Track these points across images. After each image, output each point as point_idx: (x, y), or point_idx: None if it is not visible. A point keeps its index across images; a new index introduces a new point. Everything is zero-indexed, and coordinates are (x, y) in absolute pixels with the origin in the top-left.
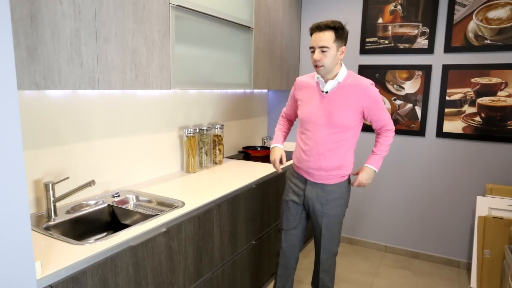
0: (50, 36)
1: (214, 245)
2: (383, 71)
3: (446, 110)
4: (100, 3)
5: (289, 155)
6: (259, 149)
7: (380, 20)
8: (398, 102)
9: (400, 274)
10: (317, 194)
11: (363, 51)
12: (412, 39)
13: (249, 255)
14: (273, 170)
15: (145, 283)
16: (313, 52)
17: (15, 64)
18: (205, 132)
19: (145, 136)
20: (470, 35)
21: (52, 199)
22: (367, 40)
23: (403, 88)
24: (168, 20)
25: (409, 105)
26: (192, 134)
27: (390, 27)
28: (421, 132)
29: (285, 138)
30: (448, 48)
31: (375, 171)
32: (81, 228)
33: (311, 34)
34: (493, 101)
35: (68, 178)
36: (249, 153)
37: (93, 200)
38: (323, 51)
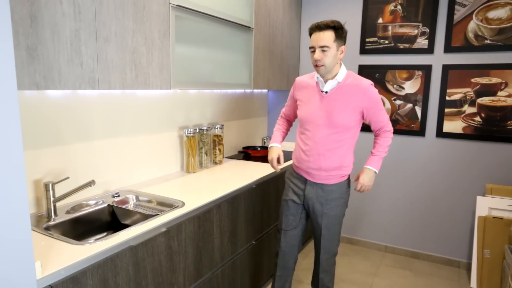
0: (50, 36)
1: (214, 245)
2: (383, 71)
3: (446, 110)
4: (100, 3)
5: (288, 155)
6: (259, 149)
7: (380, 20)
8: (398, 102)
9: (400, 274)
10: (317, 194)
11: (363, 51)
12: (412, 39)
13: (249, 255)
14: (273, 170)
15: (145, 283)
16: (313, 52)
17: (15, 64)
18: (205, 132)
19: (145, 136)
20: (470, 35)
21: (52, 199)
22: (367, 40)
23: (403, 88)
24: (168, 20)
25: (409, 105)
26: (192, 134)
27: (390, 27)
28: (421, 132)
29: (283, 138)
30: (448, 48)
31: (375, 172)
32: (81, 228)
33: (311, 34)
34: (493, 101)
35: (68, 178)
36: (249, 153)
37: (93, 200)
38: (323, 51)
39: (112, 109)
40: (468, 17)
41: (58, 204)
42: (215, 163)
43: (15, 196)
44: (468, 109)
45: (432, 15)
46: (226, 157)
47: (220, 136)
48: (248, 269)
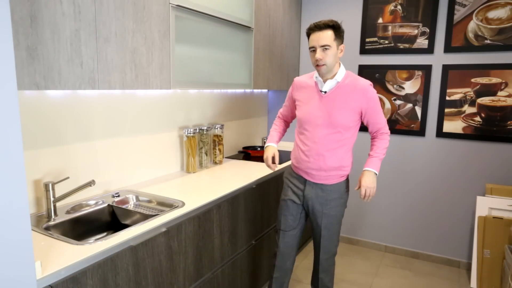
0: (50, 36)
1: (214, 245)
2: (383, 71)
3: (446, 110)
4: (100, 3)
5: (287, 154)
6: (259, 149)
7: (380, 20)
8: (398, 102)
9: (400, 274)
10: (316, 195)
11: (363, 51)
12: (412, 39)
13: (249, 255)
14: (270, 170)
15: (145, 283)
16: (313, 51)
17: (15, 64)
18: (205, 132)
19: (145, 136)
20: (470, 35)
21: (52, 199)
22: (367, 40)
23: (403, 88)
24: (168, 20)
25: (409, 105)
26: (192, 134)
27: (390, 27)
28: (421, 132)
29: (280, 138)
30: (448, 48)
31: (376, 174)
32: (81, 228)
33: (309, 35)
34: (493, 101)
35: (68, 178)
36: (249, 153)
37: (93, 200)
38: (325, 50)
39: (112, 109)
40: (468, 17)
41: (58, 204)
42: (215, 163)
43: (15, 196)
44: (468, 109)
45: (432, 15)
46: (226, 157)
47: (220, 136)
48: (248, 269)
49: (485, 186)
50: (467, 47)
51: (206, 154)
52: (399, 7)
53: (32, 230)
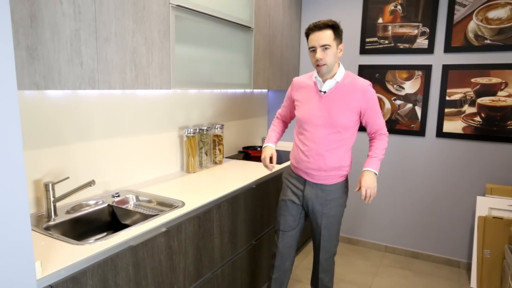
0: (50, 36)
1: (214, 245)
2: (383, 71)
3: (446, 110)
4: (100, 3)
5: (286, 154)
6: (259, 149)
7: (380, 20)
8: (398, 102)
9: (400, 274)
10: (316, 195)
11: (363, 51)
12: (412, 39)
13: (249, 255)
14: (274, 170)
15: (145, 283)
16: (313, 51)
17: (15, 64)
18: (205, 132)
19: (145, 136)
20: (470, 35)
21: (52, 199)
22: (367, 40)
23: (403, 88)
24: (168, 20)
25: (409, 105)
26: (192, 134)
27: (390, 27)
28: (421, 132)
29: (278, 139)
30: (448, 48)
31: (376, 174)
32: (81, 228)
33: (309, 35)
34: (493, 101)
35: (68, 178)
36: (249, 153)
37: (93, 200)
38: (325, 49)
39: (112, 109)
40: (468, 17)
41: (58, 204)
42: (215, 163)
43: (15, 196)
44: (468, 109)
45: (432, 15)
46: (226, 157)
47: (220, 136)
48: (248, 269)
49: (485, 186)
50: (467, 47)
51: (206, 154)
52: (399, 7)
53: (32, 230)
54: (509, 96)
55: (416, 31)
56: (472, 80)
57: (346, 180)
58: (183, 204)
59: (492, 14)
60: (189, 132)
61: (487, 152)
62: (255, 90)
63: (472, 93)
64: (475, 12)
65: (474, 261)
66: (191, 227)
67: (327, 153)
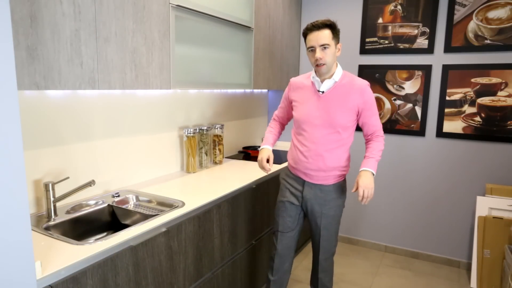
0: (50, 36)
1: (214, 245)
2: (383, 71)
3: (446, 110)
4: (100, 3)
5: (284, 154)
6: (259, 149)
7: (380, 20)
8: (398, 102)
9: (400, 274)
10: (315, 195)
11: (363, 51)
12: (412, 39)
13: (249, 255)
14: (273, 170)
15: (145, 283)
16: (312, 51)
17: (15, 64)
18: (205, 132)
19: (145, 136)
20: (470, 35)
21: (52, 199)
22: (367, 40)
23: (403, 88)
24: (168, 20)
25: (409, 105)
26: (192, 134)
27: (390, 27)
28: (421, 132)
29: (275, 141)
30: (448, 48)
31: (373, 174)
32: (81, 228)
33: (307, 35)
34: (493, 101)
35: (68, 178)
36: (249, 153)
37: (93, 200)
38: (324, 48)
39: (112, 109)
40: (468, 17)
41: (58, 204)
42: (215, 163)
43: (15, 196)
44: (468, 109)
45: (432, 15)
46: (226, 157)
47: (220, 136)
48: (248, 269)
49: (485, 186)
50: (467, 47)
51: (206, 154)
52: (399, 7)
53: (32, 230)
54: (509, 96)
55: (416, 31)
56: (472, 80)
57: (345, 180)
58: (183, 204)
59: (492, 14)
60: (189, 132)
61: (487, 152)
62: (255, 90)
63: (472, 93)
64: (475, 12)
65: (474, 261)
66: (191, 227)
67: (326, 153)
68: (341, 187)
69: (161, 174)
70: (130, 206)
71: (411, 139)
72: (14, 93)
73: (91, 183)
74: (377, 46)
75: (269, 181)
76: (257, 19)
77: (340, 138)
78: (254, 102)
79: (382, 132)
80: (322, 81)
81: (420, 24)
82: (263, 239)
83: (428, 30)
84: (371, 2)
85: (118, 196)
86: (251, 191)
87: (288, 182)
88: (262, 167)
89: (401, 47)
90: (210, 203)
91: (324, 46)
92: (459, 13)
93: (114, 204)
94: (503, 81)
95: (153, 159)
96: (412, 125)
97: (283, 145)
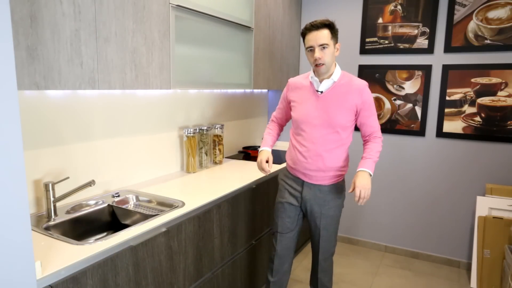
0: (50, 36)
1: (214, 245)
2: (383, 71)
3: (446, 110)
4: (100, 3)
5: (283, 154)
6: (259, 149)
7: (380, 20)
8: (398, 102)
9: (400, 274)
10: (314, 196)
11: (363, 51)
12: (412, 39)
13: (249, 255)
14: (273, 170)
15: (145, 283)
16: (311, 51)
17: (15, 64)
18: (205, 132)
19: (145, 136)
20: (470, 35)
21: (52, 199)
22: (367, 40)
23: (403, 88)
24: (168, 20)
25: (409, 105)
26: (192, 134)
27: (390, 27)
28: (421, 132)
29: (274, 143)
30: (448, 48)
31: (370, 175)
32: (81, 228)
33: (306, 35)
34: (493, 101)
35: (68, 178)
36: (249, 153)
37: (93, 200)
38: (323, 48)
39: (112, 109)
40: (468, 17)
41: (58, 204)
42: (215, 163)
43: (15, 196)
44: (468, 109)
45: (432, 15)
46: (226, 157)
47: (220, 136)
48: (248, 269)
49: (485, 186)
50: (467, 47)
51: (206, 154)
52: (399, 7)
53: (32, 230)
54: (509, 96)
55: (416, 31)
56: (472, 80)
57: (343, 180)
58: (183, 204)
59: (492, 14)
60: (189, 132)
61: (487, 152)
62: (255, 90)
63: (472, 93)
64: (475, 12)
65: (474, 261)
66: (191, 227)
67: (326, 153)
68: (340, 187)
69: (161, 174)
70: (130, 206)
71: (411, 139)
72: (14, 93)
73: (91, 183)
74: (377, 46)
75: (269, 181)
76: (257, 19)
77: (339, 138)
78: (254, 102)
79: (380, 133)
80: (320, 81)
81: (420, 24)
82: (263, 239)
83: (428, 30)
84: (371, 2)
85: (118, 196)
86: (251, 191)
87: (287, 183)
88: (262, 169)
89: (401, 47)
90: (210, 203)
91: (323, 46)
92: (459, 13)
93: (114, 204)
94: (503, 81)
95: (153, 159)
96: (412, 125)
97: (283, 145)
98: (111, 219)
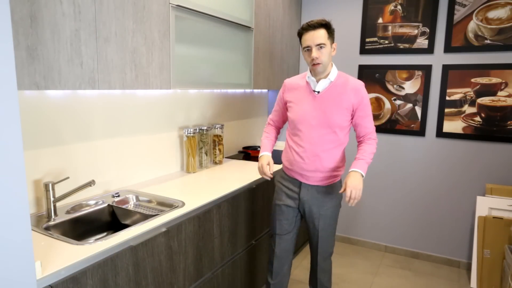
0: (50, 36)
1: (214, 245)
2: (383, 71)
3: (446, 110)
4: (100, 3)
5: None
6: (259, 149)
7: (380, 20)
8: (398, 102)
9: (400, 274)
10: (312, 197)
11: (363, 51)
12: (412, 39)
13: (249, 255)
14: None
15: (145, 283)
16: (308, 51)
17: (15, 64)
18: (205, 132)
19: (145, 136)
20: (470, 35)
21: (52, 199)
22: (367, 40)
23: (403, 88)
24: (168, 20)
25: (409, 105)
26: (192, 134)
27: (390, 27)
28: (421, 132)
29: (273, 146)
30: (448, 48)
31: (362, 175)
32: (81, 228)
33: (302, 35)
34: (493, 101)
35: (68, 178)
36: (249, 153)
37: (93, 200)
38: (320, 48)
39: (112, 109)
40: (468, 17)
41: (58, 204)
42: (215, 163)
43: (15, 196)
44: (468, 109)
45: (432, 15)
46: (226, 157)
47: (220, 136)
48: (248, 269)
49: (485, 186)
50: (467, 47)
51: (206, 154)
52: (399, 7)
53: (32, 230)
54: (509, 96)
55: (416, 31)
56: (472, 80)
57: (340, 180)
58: (183, 204)
59: (492, 14)
60: (189, 132)
61: (487, 152)
62: (255, 90)
63: (472, 93)
64: (475, 12)
65: (474, 261)
66: (191, 227)
67: (323, 153)
68: (338, 187)
69: (161, 174)
70: (130, 206)
71: (411, 139)
72: (14, 93)
73: (91, 183)
74: (377, 46)
75: (269, 181)
76: (257, 19)
77: (336, 138)
78: (254, 102)
79: (375, 135)
80: (317, 81)
81: (420, 24)
82: (263, 239)
83: (428, 30)
84: (371, 2)
85: (118, 196)
86: (251, 191)
87: (283, 185)
88: (264, 173)
89: (401, 47)
90: (210, 203)
91: (320, 46)
92: (459, 13)
93: (114, 204)
94: (503, 81)
95: (153, 159)
96: (412, 125)
97: (282, 145)
98: (111, 219)
